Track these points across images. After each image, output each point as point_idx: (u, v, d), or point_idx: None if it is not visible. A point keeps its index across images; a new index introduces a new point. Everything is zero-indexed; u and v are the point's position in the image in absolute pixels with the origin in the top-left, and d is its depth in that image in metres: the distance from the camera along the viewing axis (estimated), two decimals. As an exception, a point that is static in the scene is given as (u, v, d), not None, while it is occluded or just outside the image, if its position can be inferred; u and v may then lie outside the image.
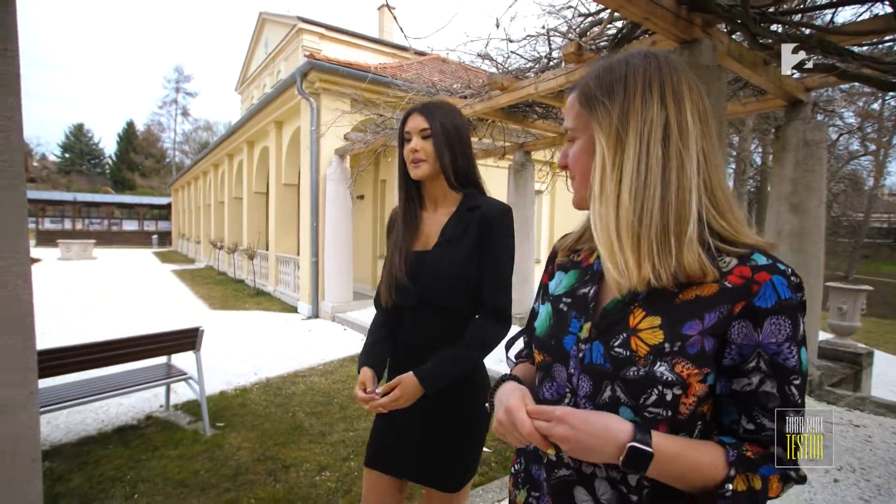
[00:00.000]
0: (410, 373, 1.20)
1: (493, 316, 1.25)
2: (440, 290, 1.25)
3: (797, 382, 0.63)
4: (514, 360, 0.99)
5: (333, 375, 4.82)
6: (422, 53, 9.63)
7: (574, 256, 0.84)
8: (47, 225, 30.94)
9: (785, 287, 0.62)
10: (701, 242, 0.65)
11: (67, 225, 32.19)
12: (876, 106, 14.22)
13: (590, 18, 3.19)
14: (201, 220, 19.89)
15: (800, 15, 2.65)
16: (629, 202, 0.66)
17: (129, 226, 35.03)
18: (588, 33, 3.20)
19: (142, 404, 3.96)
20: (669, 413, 0.64)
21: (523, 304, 6.26)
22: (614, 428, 0.62)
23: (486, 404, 0.82)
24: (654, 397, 0.64)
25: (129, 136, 51.22)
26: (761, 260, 0.65)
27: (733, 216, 0.68)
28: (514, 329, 1.01)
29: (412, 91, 5.03)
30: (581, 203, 0.77)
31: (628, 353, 0.66)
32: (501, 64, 3.95)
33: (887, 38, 2.90)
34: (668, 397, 0.64)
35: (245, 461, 2.97)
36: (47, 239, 26.93)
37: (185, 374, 3.49)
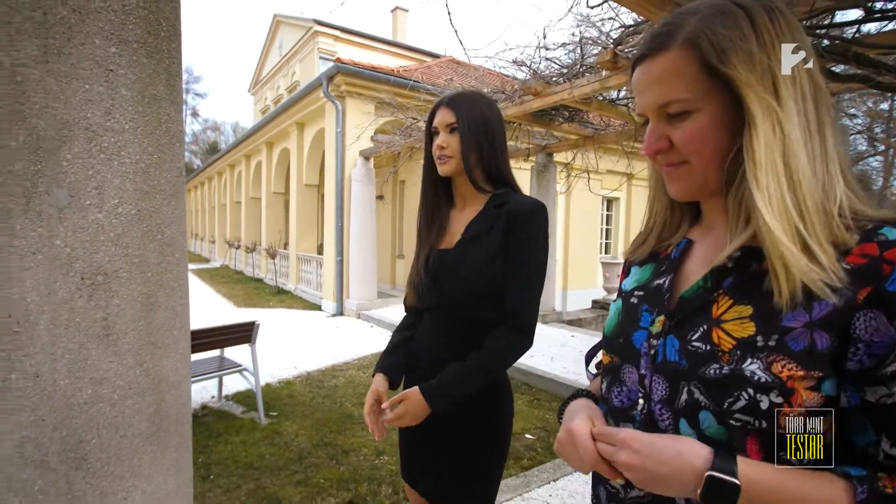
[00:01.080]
0: (416, 388, 1.08)
1: (514, 324, 1.12)
2: (459, 291, 1.16)
3: None
4: (594, 373, 0.86)
5: (370, 369, 5.00)
6: (435, 56, 9.80)
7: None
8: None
9: None
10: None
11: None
12: (885, 106, 14.33)
13: (627, 29, 3.38)
14: (216, 220, 20.17)
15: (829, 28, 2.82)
16: (811, 173, 0.53)
17: (141, 226, 35.44)
18: (623, 42, 3.39)
19: (194, 395, 4.17)
20: (764, 424, 0.51)
21: (544, 303, 6.44)
22: (688, 453, 0.52)
23: (559, 419, 0.74)
24: (741, 402, 0.52)
25: (138, 137, 51.66)
26: (893, 234, 0.51)
27: (855, 185, 0.56)
28: (587, 337, 1.00)
29: (441, 95, 5.22)
30: (695, 192, 0.62)
31: (708, 348, 0.56)
32: (536, 71, 4.14)
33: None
34: (764, 405, 0.51)
35: (305, 446, 3.17)
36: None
37: (240, 365, 3.69)
